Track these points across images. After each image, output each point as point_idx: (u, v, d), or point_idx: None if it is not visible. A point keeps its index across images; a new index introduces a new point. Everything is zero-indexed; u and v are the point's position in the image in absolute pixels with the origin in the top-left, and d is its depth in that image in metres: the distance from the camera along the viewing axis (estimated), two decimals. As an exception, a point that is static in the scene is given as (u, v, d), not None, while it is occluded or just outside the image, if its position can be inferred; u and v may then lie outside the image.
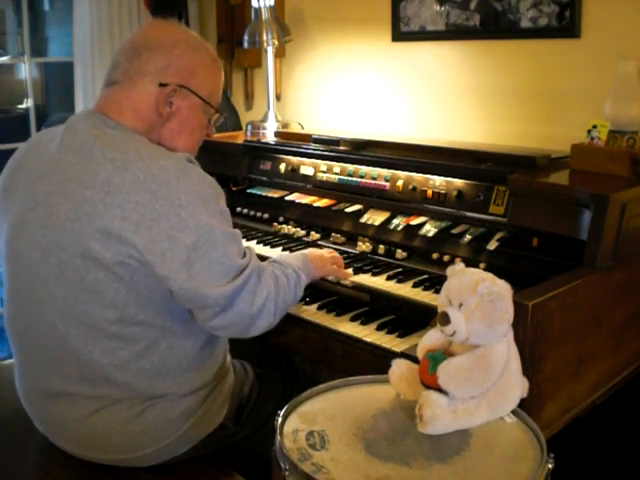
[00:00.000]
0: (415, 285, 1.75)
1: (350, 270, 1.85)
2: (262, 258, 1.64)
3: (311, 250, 1.82)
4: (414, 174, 2.02)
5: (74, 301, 1.38)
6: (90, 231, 1.33)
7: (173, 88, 1.46)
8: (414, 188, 2.00)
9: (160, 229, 1.31)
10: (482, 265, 1.73)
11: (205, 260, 1.35)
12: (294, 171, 2.33)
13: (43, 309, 1.42)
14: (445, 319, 1.20)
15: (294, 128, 2.81)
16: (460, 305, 1.20)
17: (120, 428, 1.45)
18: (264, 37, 2.74)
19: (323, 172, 2.25)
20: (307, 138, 2.40)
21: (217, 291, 1.36)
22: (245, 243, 2.10)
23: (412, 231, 1.96)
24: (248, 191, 2.44)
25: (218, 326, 1.42)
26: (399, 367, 1.28)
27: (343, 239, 2.07)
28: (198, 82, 1.49)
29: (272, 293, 1.47)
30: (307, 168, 2.30)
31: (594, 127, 1.84)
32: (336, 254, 1.88)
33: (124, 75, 1.45)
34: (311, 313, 1.77)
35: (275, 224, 2.25)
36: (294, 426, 1.19)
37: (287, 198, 2.30)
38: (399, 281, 1.78)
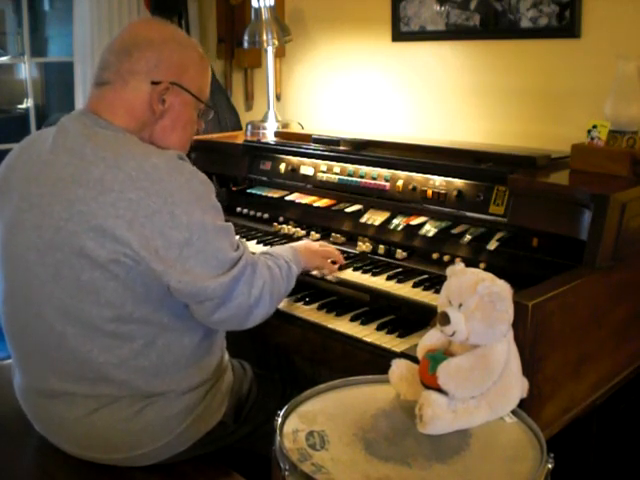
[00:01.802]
0: (415, 285, 1.75)
1: (336, 266, 1.86)
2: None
3: (302, 242, 1.84)
4: (414, 174, 2.02)
5: (71, 300, 1.38)
6: (84, 230, 1.33)
7: (166, 86, 1.46)
8: (414, 188, 2.00)
9: (153, 226, 1.32)
10: (482, 265, 1.73)
11: (199, 255, 1.36)
12: (294, 171, 2.33)
13: (40, 309, 1.42)
14: (445, 319, 1.20)
15: (294, 128, 2.81)
16: (460, 305, 1.20)
17: (120, 426, 1.45)
18: (264, 37, 2.74)
19: (323, 172, 2.25)
20: (307, 138, 2.40)
21: (214, 283, 1.37)
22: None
23: (412, 231, 1.96)
24: (248, 191, 2.44)
25: (218, 320, 1.43)
26: (399, 367, 1.28)
27: (343, 239, 2.07)
28: (189, 79, 1.50)
29: (267, 283, 1.48)
30: (307, 168, 2.30)
31: (594, 127, 1.84)
32: (330, 247, 1.89)
33: (116, 75, 1.45)
34: (311, 313, 1.77)
35: (275, 224, 2.25)
36: (294, 426, 1.19)
37: (287, 198, 2.30)
38: (399, 281, 1.78)
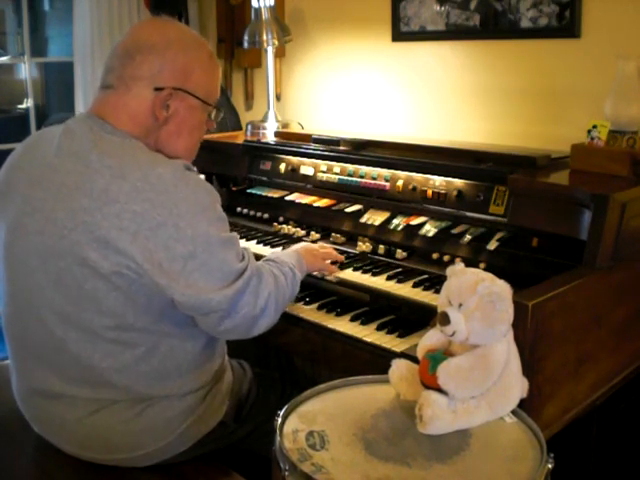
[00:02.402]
0: (415, 285, 1.75)
1: (336, 266, 1.87)
2: (260, 258, 1.64)
3: (303, 245, 1.84)
4: (414, 174, 2.02)
5: (72, 307, 1.38)
6: (87, 240, 1.32)
7: (169, 92, 1.43)
8: (414, 188, 2.00)
9: (157, 239, 1.31)
10: (482, 265, 1.73)
11: (203, 268, 1.34)
12: (294, 171, 2.33)
13: (41, 314, 1.41)
14: (445, 319, 1.20)
15: (294, 128, 2.81)
16: (460, 305, 1.20)
17: (120, 427, 1.45)
18: (264, 37, 2.74)
19: (323, 172, 2.25)
20: (307, 138, 2.40)
21: (218, 295, 1.36)
22: (245, 243, 2.11)
23: (412, 231, 1.96)
24: (248, 191, 2.44)
25: (224, 330, 1.42)
26: (399, 367, 1.28)
27: (343, 239, 2.07)
28: (194, 82, 1.47)
29: (273, 292, 1.47)
30: (307, 168, 2.30)
31: (594, 127, 1.84)
32: (328, 249, 1.90)
33: (119, 80, 1.43)
34: (311, 313, 1.77)
35: (275, 224, 2.25)
36: (294, 426, 1.19)
37: (287, 198, 2.30)
38: (399, 281, 1.78)
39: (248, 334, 1.48)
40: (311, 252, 1.80)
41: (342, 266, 1.89)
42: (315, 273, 1.83)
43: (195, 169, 1.44)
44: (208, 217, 1.37)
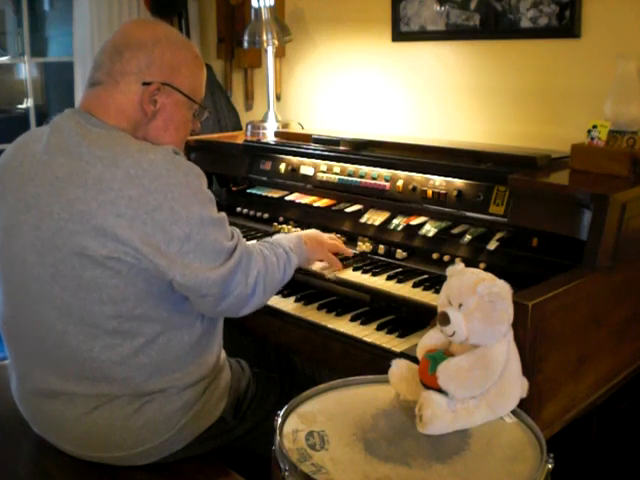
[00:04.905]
0: (415, 285, 1.75)
1: (340, 263, 1.87)
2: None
3: (311, 231, 1.86)
4: (414, 174, 2.02)
5: (72, 299, 1.39)
6: (85, 229, 1.34)
7: (157, 86, 1.46)
8: (414, 188, 2.00)
9: (154, 222, 1.33)
10: (482, 265, 1.73)
11: (198, 249, 1.38)
12: (294, 171, 2.33)
13: (41, 309, 1.42)
14: (445, 319, 1.20)
15: (294, 128, 2.81)
16: (460, 305, 1.20)
17: (120, 424, 1.45)
18: (264, 37, 2.74)
19: (323, 172, 2.25)
20: (307, 138, 2.40)
21: (214, 274, 1.39)
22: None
23: (412, 231, 1.96)
24: (248, 191, 2.44)
25: (221, 311, 1.47)
26: (399, 367, 1.28)
27: (343, 239, 2.07)
28: (181, 79, 1.50)
29: (262, 271, 1.51)
30: (307, 168, 2.30)
31: (594, 127, 1.84)
32: (337, 240, 1.92)
33: (107, 75, 1.46)
34: (311, 313, 1.77)
35: (275, 224, 2.25)
36: (294, 426, 1.19)
37: (287, 198, 2.30)
38: (399, 281, 1.78)
39: (238, 313, 1.51)
40: (317, 239, 1.83)
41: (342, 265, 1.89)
42: (315, 268, 1.82)
43: (182, 154, 1.46)
44: (200, 199, 1.40)
